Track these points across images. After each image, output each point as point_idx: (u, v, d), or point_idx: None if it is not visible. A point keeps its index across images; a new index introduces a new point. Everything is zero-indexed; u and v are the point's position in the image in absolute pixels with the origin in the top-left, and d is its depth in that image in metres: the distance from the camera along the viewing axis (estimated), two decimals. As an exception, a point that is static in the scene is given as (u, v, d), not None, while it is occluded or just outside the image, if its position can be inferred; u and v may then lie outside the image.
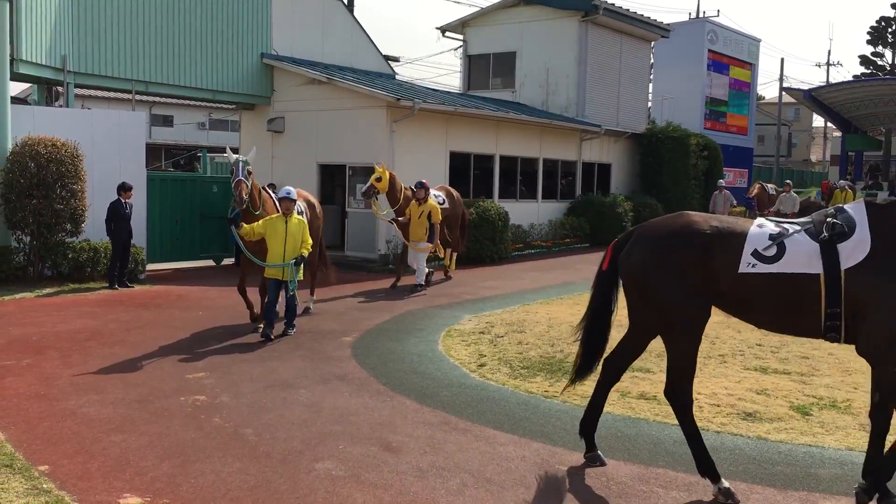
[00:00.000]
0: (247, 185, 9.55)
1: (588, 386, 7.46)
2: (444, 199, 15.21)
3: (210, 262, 18.13)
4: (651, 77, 30.24)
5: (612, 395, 7.13)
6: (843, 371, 8.05)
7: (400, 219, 14.02)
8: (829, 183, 27.86)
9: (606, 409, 6.76)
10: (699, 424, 6.32)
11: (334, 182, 19.44)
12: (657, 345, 9.08)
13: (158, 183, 16.69)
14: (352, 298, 12.60)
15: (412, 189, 14.28)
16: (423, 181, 13.95)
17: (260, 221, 9.55)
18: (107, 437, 5.89)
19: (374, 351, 8.98)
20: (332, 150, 18.08)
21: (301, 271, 9.94)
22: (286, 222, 9.66)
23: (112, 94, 32.53)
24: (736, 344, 9.22)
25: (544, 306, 12.07)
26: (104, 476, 5.11)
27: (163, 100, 35.54)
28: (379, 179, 14.00)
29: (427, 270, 14.13)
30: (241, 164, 9.49)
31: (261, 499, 4.84)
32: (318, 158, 18.39)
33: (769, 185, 26.08)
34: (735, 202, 22.17)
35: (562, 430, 6.25)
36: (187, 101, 33.90)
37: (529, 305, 12.14)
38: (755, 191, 23.94)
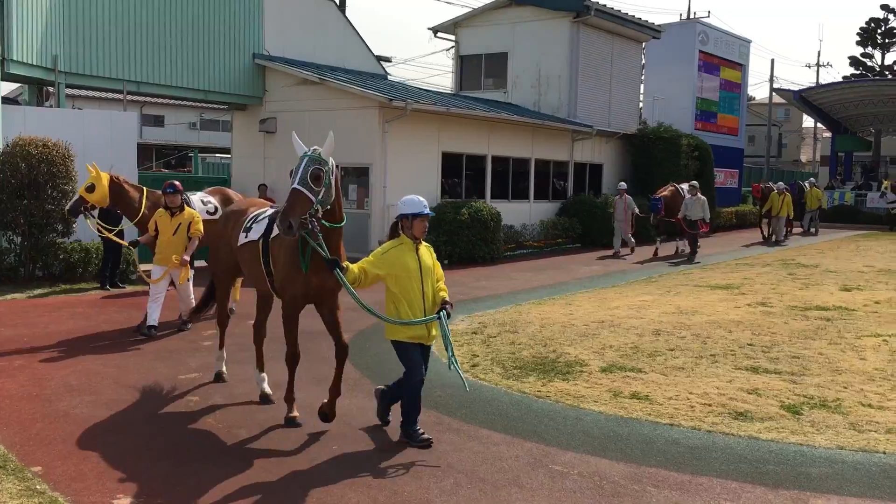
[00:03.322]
0: (313, 201, 5.69)
1: (579, 386, 7.52)
2: (216, 207, 11.31)
3: (203, 263, 18.09)
4: (642, 78, 30.33)
5: (604, 395, 7.19)
6: (833, 371, 8.10)
7: (140, 239, 10.15)
8: (760, 185, 26.43)
9: (599, 408, 6.83)
10: (691, 424, 6.40)
11: (326, 182, 19.42)
12: (649, 344, 9.15)
13: (150, 183, 16.63)
14: (343, 299, 12.57)
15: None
16: (176, 183, 9.91)
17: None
18: (100, 438, 5.89)
19: (367, 351, 8.99)
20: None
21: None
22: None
23: (103, 95, 32.47)
24: (727, 344, 9.27)
25: (536, 306, 12.10)
26: (98, 477, 5.12)
27: (154, 100, 35.44)
28: (91, 189, 10.45)
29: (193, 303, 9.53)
30: (307, 160, 5.80)
31: (255, 499, 4.85)
32: (310, 159, 18.36)
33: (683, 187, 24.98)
34: (637, 209, 20.55)
35: (554, 429, 6.28)
36: (179, 102, 33.83)
37: (522, 306, 12.17)
38: (664, 192, 21.18)
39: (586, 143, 24.39)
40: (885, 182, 33.87)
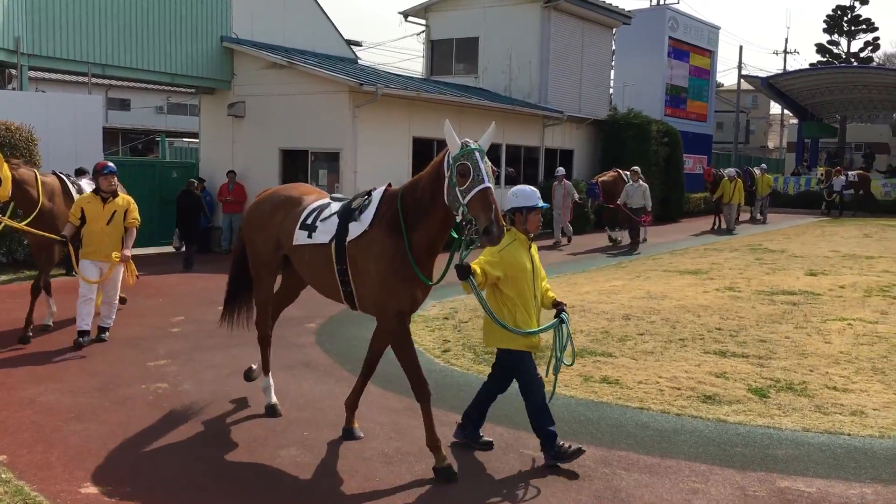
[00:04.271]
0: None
1: (562, 373, 7.54)
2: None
3: (170, 249, 17.90)
4: (613, 64, 30.40)
5: (575, 379, 7.23)
6: (799, 354, 8.22)
7: (63, 235, 8.37)
8: (711, 169, 25.68)
9: (569, 392, 6.87)
10: (661, 407, 6.46)
11: (296, 167, 19.27)
12: (619, 329, 9.21)
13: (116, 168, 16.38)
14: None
15: (68, 178, 9.55)
16: (111, 163, 8.63)
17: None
18: (66, 426, 5.81)
19: (338, 337, 8.96)
20: (294, 135, 17.91)
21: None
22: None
23: (67, 78, 31.84)
24: (696, 328, 9.36)
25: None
26: (65, 466, 5.04)
27: (119, 83, 34.87)
28: None
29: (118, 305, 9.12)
30: (480, 153, 4.87)
31: (225, 488, 4.81)
32: (279, 144, 18.21)
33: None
34: (577, 195, 19.94)
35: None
36: (145, 85, 33.32)
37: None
38: (605, 176, 20.44)
39: (557, 129, 24.43)
40: (820, 168, 34.18)
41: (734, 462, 5.34)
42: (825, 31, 53.66)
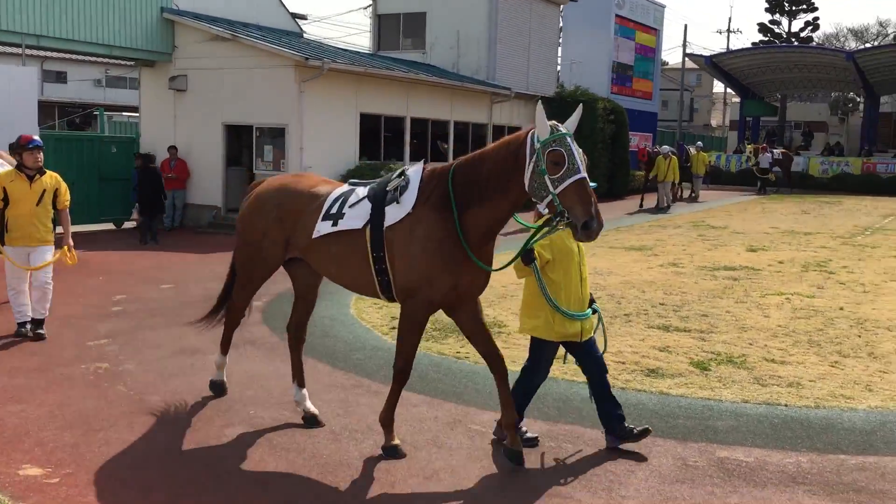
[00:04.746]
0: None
1: (499, 346, 7.59)
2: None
3: (110, 226, 17.50)
4: (560, 41, 30.49)
5: (523, 356, 7.24)
6: (739, 328, 8.41)
7: None
8: (646, 149, 25.80)
9: (516, 368, 6.87)
10: (605, 381, 6.54)
11: (241, 143, 18.96)
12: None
13: (53, 143, 15.91)
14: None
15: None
16: (37, 137, 7.90)
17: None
18: (2, 407, 5.65)
19: (285, 315, 8.81)
20: (238, 110, 17.59)
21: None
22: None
23: (0, 49, 30.69)
24: (640, 303, 9.51)
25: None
26: (2, 447, 4.91)
27: (55, 55, 33.74)
28: None
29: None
30: (572, 139, 4.39)
31: (169, 467, 4.74)
32: (223, 119, 17.87)
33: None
34: None
35: (473, 390, 6.34)
36: (82, 57, 32.31)
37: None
38: None
39: (505, 106, 24.45)
40: (749, 146, 34.87)
41: (676, 433, 5.45)
42: (767, 10, 54.63)
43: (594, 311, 5.20)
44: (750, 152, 32.77)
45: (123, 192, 17.36)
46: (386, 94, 19.67)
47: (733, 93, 47.56)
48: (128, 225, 17.30)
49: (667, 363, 7.11)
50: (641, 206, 24.28)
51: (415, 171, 4.92)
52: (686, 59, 48.72)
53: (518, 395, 5.19)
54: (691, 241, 15.69)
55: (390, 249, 4.80)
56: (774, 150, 32.08)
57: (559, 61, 30.53)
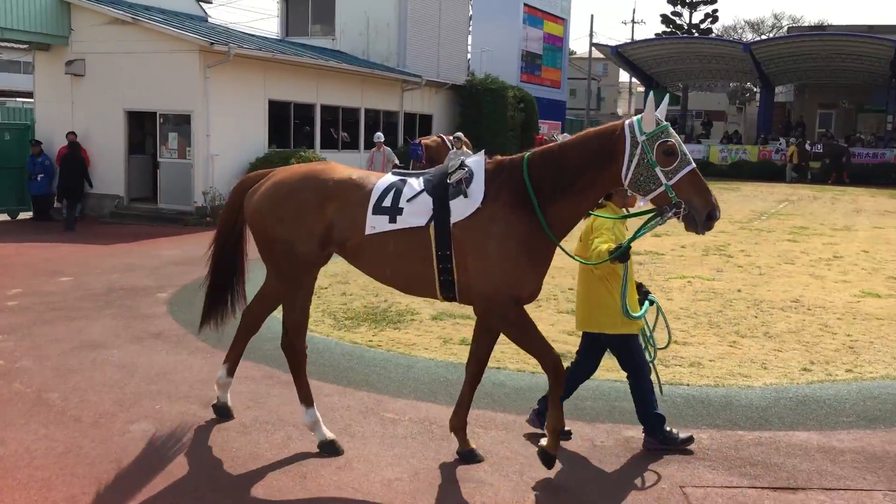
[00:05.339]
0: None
1: (410, 334, 7.62)
2: None
3: (4, 217, 16.70)
4: (470, 29, 30.64)
5: (435, 342, 7.33)
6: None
7: None
8: (543, 136, 25.79)
9: (429, 355, 6.95)
10: (517, 366, 6.65)
11: (144, 130, 18.36)
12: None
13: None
14: (167, 253, 12.03)
15: None
16: None
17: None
18: None
19: (192, 307, 8.63)
20: (140, 96, 17.01)
21: None
22: None
23: None
24: (550, 289, 9.68)
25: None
26: None
27: (-59, 36, 31.81)
28: None
29: None
30: (673, 131, 4.45)
31: (69, 465, 4.57)
32: (124, 105, 17.26)
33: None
34: (397, 160, 18.14)
35: (386, 378, 6.33)
36: (-29, 39, 30.52)
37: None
38: (429, 140, 19.36)
39: (416, 94, 24.43)
40: None
41: (584, 415, 5.58)
42: (669, 2, 56.09)
43: (651, 303, 5.06)
44: None
45: (18, 182, 16.59)
46: (295, 81, 19.38)
47: (638, 82, 48.74)
48: (24, 215, 16.54)
49: (575, 346, 7.21)
50: None
51: (476, 161, 4.60)
52: (593, 48, 49.71)
53: (642, 402, 5.01)
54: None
55: (460, 248, 4.42)
56: None
57: (469, 49, 30.68)
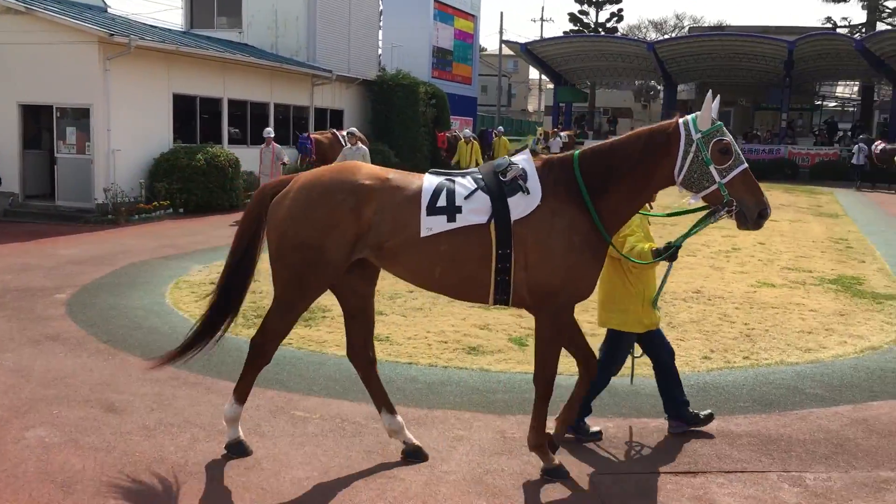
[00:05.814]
0: None
1: (322, 331, 7.54)
2: None
3: None
4: (380, 24, 30.51)
5: (343, 339, 7.25)
6: (554, 303, 8.81)
7: None
8: (445, 134, 24.96)
9: (341, 352, 6.88)
10: (429, 361, 6.67)
11: (40, 125, 17.58)
12: (389, 287, 9.37)
13: None
14: (66, 252, 11.56)
15: None
16: None
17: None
18: None
19: (92, 307, 8.35)
20: (35, 88, 16.26)
21: None
22: None
23: None
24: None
25: (278, 254, 11.90)
26: None
27: None
28: None
29: None
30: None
31: (-40, 477, 4.34)
32: (18, 98, 16.47)
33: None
34: (286, 158, 17.25)
35: (297, 376, 6.25)
36: None
37: (264, 253, 11.88)
38: (320, 136, 18.70)
39: (326, 89, 24.18)
40: (540, 129, 36.50)
41: (496, 408, 5.64)
42: (576, 0, 57.16)
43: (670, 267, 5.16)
44: (540, 135, 33.92)
45: None
46: (201, 75, 18.90)
47: (548, 79, 49.56)
48: None
49: (487, 340, 7.33)
50: None
51: (525, 159, 4.54)
52: (503, 45, 50.25)
53: (594, 391, 5.12)
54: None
55: (521, 245, 4.34)
56: (562, 133, 33.39)
57: (380, 45, 30.57)
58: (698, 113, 4.40)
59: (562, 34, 53.16)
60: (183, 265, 10.80)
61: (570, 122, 43.87)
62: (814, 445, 5.08)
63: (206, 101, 19.32)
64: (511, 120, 57.40)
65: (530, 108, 76.59)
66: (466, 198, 4.40)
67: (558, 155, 4.63)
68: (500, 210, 4.34)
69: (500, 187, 4.40)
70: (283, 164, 16.82)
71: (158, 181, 16.74)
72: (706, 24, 59.34)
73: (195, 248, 12.38)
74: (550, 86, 49.44)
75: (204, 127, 19.39)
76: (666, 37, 56.96)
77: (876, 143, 28.93)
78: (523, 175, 4.41)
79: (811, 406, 5.78)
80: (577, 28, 57.00)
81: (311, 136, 18.02)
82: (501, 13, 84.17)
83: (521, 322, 7.99)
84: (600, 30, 55.94)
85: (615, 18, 57.75)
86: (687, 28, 60.23)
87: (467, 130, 24.35)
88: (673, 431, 5.23)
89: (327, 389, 5.95)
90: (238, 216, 16.05)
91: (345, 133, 17.49)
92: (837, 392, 6.14)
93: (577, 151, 4.57)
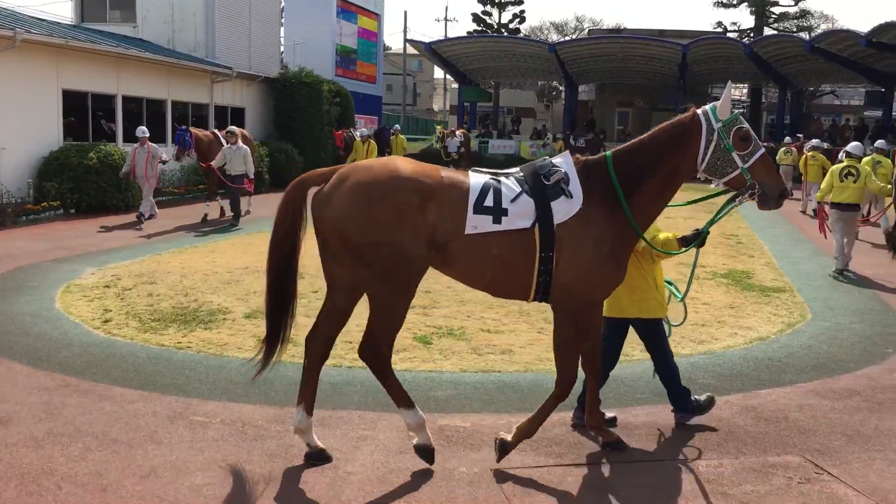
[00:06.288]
0: None
1: (223, 334, 7.36)
2: None
3: None
4: (282, 21, 30.05)
5: (249, 341, 7.13)
6: (458, 302, 8.87)
7: None
8: (342, 133, 23.76)
9: (242, 355, 6.75)
10: (332, 362, 6.58)
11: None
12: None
13: None
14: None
15: None
16: None
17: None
18: None
19: (-24, 314, 7.91)
20: None
21: None
22: None
23: None
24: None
25: (177, 255, 11.57)
26: None
27: None
28: None
29: None
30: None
31: None
32: None
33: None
34: (164, 156, 16.24)
35: (196, 380, 6.09)
36: None
37: (161, 255, 11.54)
38: (200, 133, 17.04)
39: (227, 86, 23.64)
40: (438, 128, 36.77)
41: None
42: (479, 1, 57.68)
43: (668, 283, 5.48)
44: (438, 134, 33.89)
45: None
46: (93, 70, 18.17)
47: (453, 78, 49.85)
48: None
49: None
50: None
51: (565, 161, 4.64)
52: (407, 44, 50.27)
53: (674, 386, 5.34)
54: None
55: (561, 248, 4.45)
56: (457, 133, 33.43)
57: (282, 42, 30.11)
58: (716, 103, 4.65)
59: (466, 34, 53.57)
60: (74, 268, 10.36)
61: (475, 122, 44.24)
62: (706, 434, 5.28)
63: (98, 97, 18.60)
64: (417, 119, 57.49)
65: (436, 107, 76.90)
66: (512, 201, 4.47)
67: (593, 157, 4.76)
68: (543, 214, 4.45)
69: (544, 191, 4.51)
70: (163, 161, 16.10)
71: (48, 181, 15.98)
72: (605, 27, 60.79)
73: (87, 251, 11.89)
74: (455, 85, 49.77)
75: (97, 124, 18.65)
76: (567, 38, 58.16)
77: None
78: (565, 178, 4.53)
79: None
80: (480, 28, 57.51)
81: (192, 130, 16.79)
82: (406, 12, 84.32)
83: (426, 321, 8.01)
84: (503, 30, 56.60)
85: (517, 20, 58.54)
86: (587, 30, 61.63)
87: (364, 129, 23.62)
88: (681, 422, 5.43)
89: (228, 393, 5.81)
90: (132, 216, 15.56)
91: (225, 132, 16.54)
92: (728, 381, 6.40)
93: (608, 153, 4.74)
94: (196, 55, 22.77)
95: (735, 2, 50.97)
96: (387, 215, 4.30)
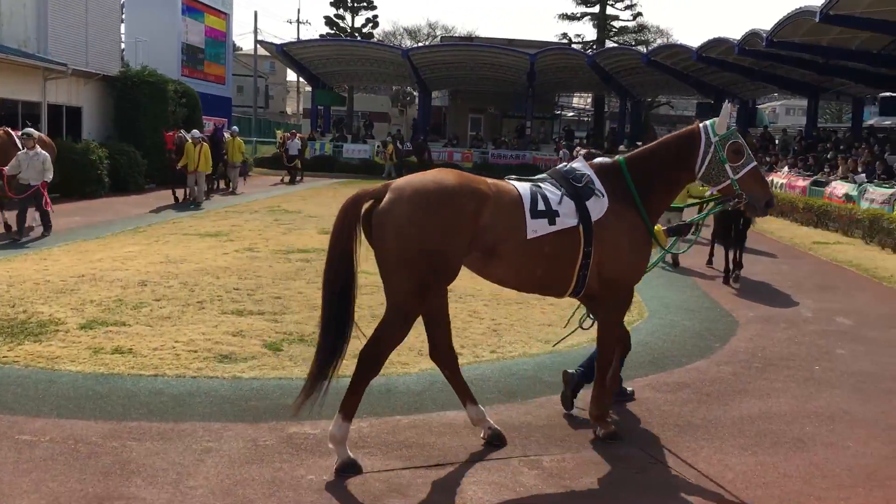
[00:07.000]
0: None
1: (54, 346, 6.91)
2: None
3: None
4: (123, 17, 28.68)
5: (83, 353, 6.73)
6: (310, 307, 8.73)
7: None
8: (174, 134, 21.14)
9: (75, 368, 6.37)
10: (176, 372, 6.36)
11: None
12: (135, 296, 8.79)
13: None
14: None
15: None
16: None
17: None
18: None
19: None
20: None
21: None
22: None
23: None
24: (214, 290, 9.39)
25: (4, 264, 10.79)
26: None
27: None
28: None
29: None
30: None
31: None
32: None
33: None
34: None
35: (23, 396, 5.68)
36: None
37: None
38: None
39: (62, 84, 22.28)
40: (279, 133, 36.47)
41: (247, 416, 5.48)
42: (332, 4, 57.29)
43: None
44: (280, 139, 33.04)
45: None
46: None
47: (306, 81, 49.22)
48: None
49: (240, 347, 7.12)
50: (178, 198, 20.59)
51: (583, 164, 5.20)
52: (258, 46, 49.20)
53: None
54: (267, 226, 15.93)
55: (598, 243, 4.96)
56: (296, 137, 32.72)
57: (123, 39, 28.73)
58: (715, 119, 5.26)
59: (318, 37, 53.06)
60: None
61: (329, 125, 43.88)
62: (551, 430, 5.46)
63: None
64: (269, 122, 56.28)
65: (289, 110, 75.63)
66: (559, 203, 4.95)
67: (607, 162, 5.34)
68: (583, 212, 4.96)
69: (578, 192, 5.01)
70: None
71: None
72: (458, 34, 61.84)
73: None
74: (309, 88, 49.17)
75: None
76: (420, 45, 58.70)
77: (576, 149, 31.77)
78: (591, 180, 5.07)
79: (549, 394, 6.18)
80: (333, 32, 57.12)
81: None
82: (256, 12, 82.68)
83: (276, 327, 7.85)
84: (357, 34, 56.48)
85: (371, 24, 58.61)
86: (439, 37, 62.43)
87: (196, 131, 21.67)
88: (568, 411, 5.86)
89: (59, 409, 5.46)
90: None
91: (21, 134, 14.26)
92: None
93: (621, 158, 5.33)
94: (26, 50, 21.32)
95: (578, 15, 53.27)
96: (447, 219, 4.54)
